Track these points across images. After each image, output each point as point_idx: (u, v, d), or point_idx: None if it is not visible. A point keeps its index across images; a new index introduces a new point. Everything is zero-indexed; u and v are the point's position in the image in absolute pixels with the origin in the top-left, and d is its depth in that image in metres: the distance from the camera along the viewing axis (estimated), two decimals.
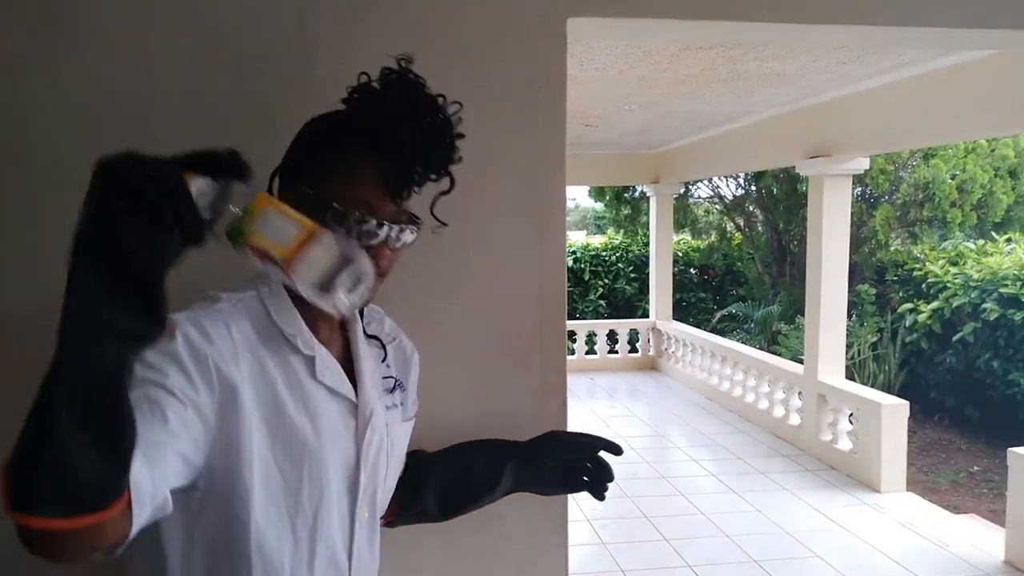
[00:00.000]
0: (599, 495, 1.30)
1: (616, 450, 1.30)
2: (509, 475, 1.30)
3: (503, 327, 1.78)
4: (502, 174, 1.60)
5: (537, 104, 1.58)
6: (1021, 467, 4.15)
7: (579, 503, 4.95)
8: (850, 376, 6.38)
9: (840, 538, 4.56)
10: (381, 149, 0.95)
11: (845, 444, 5.67)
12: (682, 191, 10.64)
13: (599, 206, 14.41)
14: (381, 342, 1.16)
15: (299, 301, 0.99)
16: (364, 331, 1.13)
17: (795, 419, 6.29)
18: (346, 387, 1.05)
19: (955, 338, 7.36)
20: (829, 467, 5.68)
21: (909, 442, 5.48)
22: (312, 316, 1.01)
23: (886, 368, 7.74)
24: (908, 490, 5.29)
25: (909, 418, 5.41)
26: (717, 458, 5.95)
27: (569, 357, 9.16)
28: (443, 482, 1.29)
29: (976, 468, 6.29)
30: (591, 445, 1.31)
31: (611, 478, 1.29)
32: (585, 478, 1.32)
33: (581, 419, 7.00)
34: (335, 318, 1.04)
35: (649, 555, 4.30)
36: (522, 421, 1.80)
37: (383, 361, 1.16)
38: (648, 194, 9.58)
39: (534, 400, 1.83)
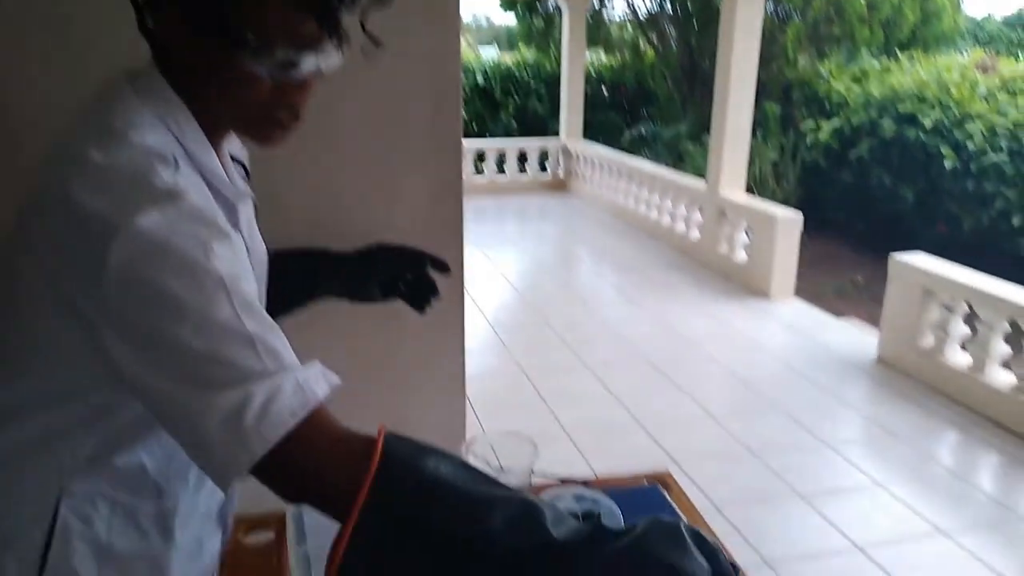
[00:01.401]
0: (420, 309, 1.26)
1: (444, 268, 1.25)
2: (326, 289, 1.24)
3: (397, 126, 1.70)
4: None
5: None
6: (899, 271, 4.42)
7: (483, 312, 5.08)
8: (750, 192, 6.56)
9: (730, 341, 4.84)
10: None
11: (740, 256, 5.92)
12: (597, 5, 10.29)
13: (512, 20, 13.86)
14: (245, 169, 1.04)
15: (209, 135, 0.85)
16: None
17: (695, 233, 6.50)
18: (257, 238, 0.96)
19: (852, 155, 7.60)
20: (725, 278, 5.95)
21: (800, 254, 5.75)
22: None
23: (785, 184, 7.98)
24: (796, 296, 5.62)
25: (802, 231, 5.65)
26: (620, 271, 6.14)
27: (478, 178, 9.15)
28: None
29: (860, 277, 6.70)
30: (419, 262, 1.25)
31: (436, 295, 1.25)
32: (403, 287, 1.27)
33: (489, 239, 7.06)
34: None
35: (550, 358, 4.49)
36: (418, 220, 1.77)
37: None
38: (561, 6, 9.22)
39: (431, 200, 1.79)
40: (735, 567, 0.77)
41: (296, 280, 1.20)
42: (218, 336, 0.70)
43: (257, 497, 0.87)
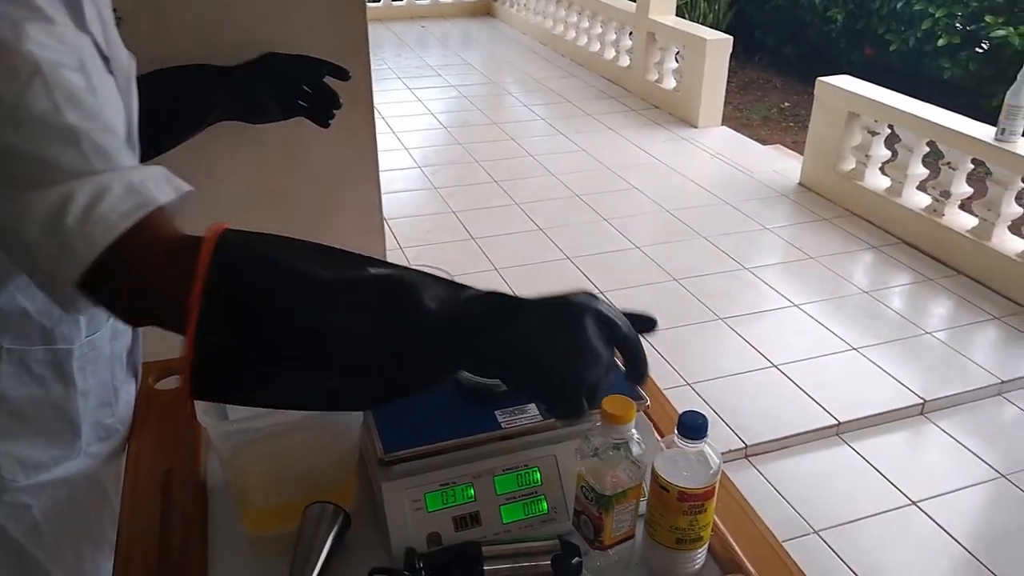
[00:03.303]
0: (323, 122, 1.18)
1: (342, 74, 1.15)
2: (218, 103, 1.14)
3: None
4: None
5: None
6: (825, 95, 4.41)
7: (409, 151, 4.94)
8: (680, 15, 6.36)
9: (657, 171, 4.83)
10: None
11: (669, 82, 5.81)
12: None
13: None
14: None
15: None
16: None
17: (624, 60, 6.33)
18: (117, 43, 0.83)
19: None
20: (653, 106, 5.86)
21: (729, 81, 5.67)
22: None
23: (716, 7, 7.76)
24: (723, 125, 5.59)
25: (732, 58, 5.54)
26: (548, 102, 5.99)
27: (396, 2, 8.60)
28: (148, 112, 1.10)
29: (787, 104, 6.68)
30: (314, 69, 1.15)
31: (338, 105, 1.16)
32: (303, 103, 1.18)
33: (412, 71, 6.76)
34: None
35: (479, 196, 4.42)
36: (319, 38, 1.63)
37: None
38: None
39: (331, 17, 1.64)
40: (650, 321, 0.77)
41: (183, 95, 1.11)
42: (34, 130, 0.62)
43: (168, 343, 0.82)
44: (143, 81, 1.04)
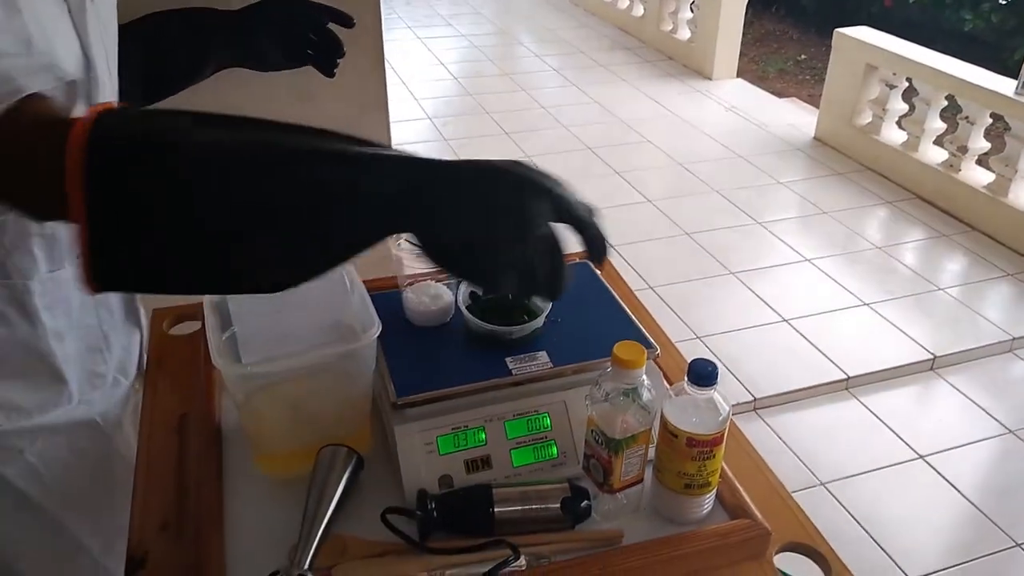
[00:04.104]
0: (328, 71, 1.15)
1: (347, 22, 1.11)
2: (217, 51, 1.10)
3: None
4: None
5: None
6: (842, 47, 4.33)
7: (420, 102, 4.89)
8: None
9: (670, 123, 4.78)
10: None
11: (684, 33, 5.71)
12: None
13: None
14: None
15: None
16: None
17: (638, 9, 6.22)
18: None
19: None
20: (667, 57, 5.77)
21: (745, 33, 5.58)
22: None
23: None
24: (738, 77, 5.51)
25: (748, 8, 5.44)
26: (560, 53, 5.91)
27: None
28: (144, 61, 1.03)
29: (804, 56, 6.57)
30: (315, 16, 1.11)
31: (341, 54, 1.12)
32: (310, 51, 1.15)
33: (423, 21, 6.67)
34: None
35: (490, 148, 4.39)
36: None
37: None
38: None
39: None
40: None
41: (182, 39, 1.08)
42: None
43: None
44: (138, 24, 1.03)
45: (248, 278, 0.61)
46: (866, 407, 2.65)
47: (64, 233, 0.83)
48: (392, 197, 0.58)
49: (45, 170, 0.55)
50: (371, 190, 0.58)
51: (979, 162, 3.79)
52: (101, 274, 0.56)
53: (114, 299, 0.97)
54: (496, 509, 0.81)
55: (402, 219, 0.59)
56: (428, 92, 5.10)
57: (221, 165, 0.57)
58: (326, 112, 1.71)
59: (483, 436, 0.87)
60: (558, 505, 0.82)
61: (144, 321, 1.08)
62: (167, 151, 0.56)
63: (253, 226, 0.57)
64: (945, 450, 2.48)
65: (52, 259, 0.85)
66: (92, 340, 0.93)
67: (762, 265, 3.38)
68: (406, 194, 0.58)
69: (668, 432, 0.81)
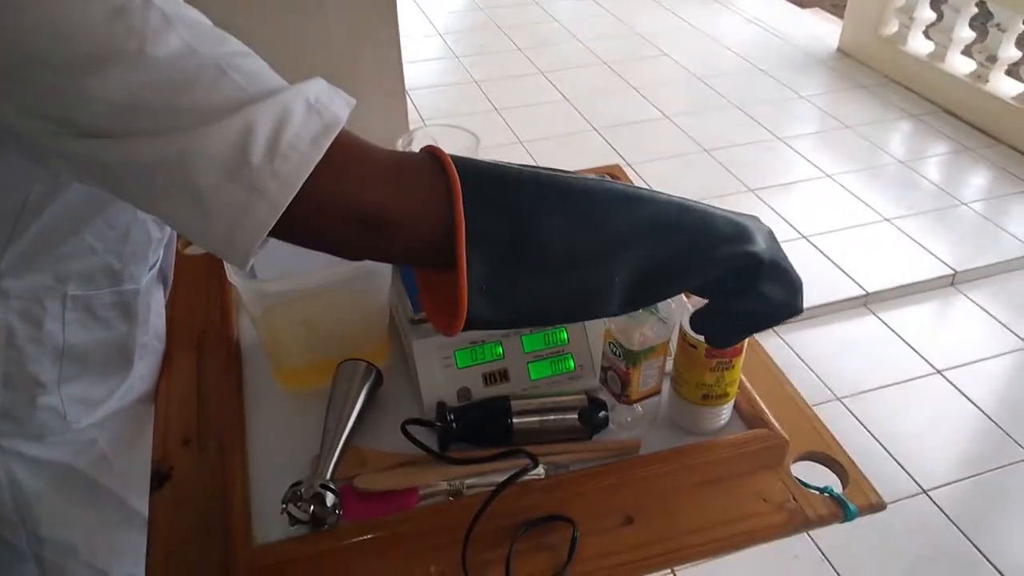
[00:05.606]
0: None
1: None
2: None
3: None
4: None
5: None
6: None
7: (431, 20, 4.77)
8: None
9: (689, 36, 4.64)
10: None
11: None
12: None
13: None
14: None
15: None
16: None
17: None
18: None
19: None
20: None
21: None
22: None
23: None
24: None
25: None
26: None
27: None
28: None
29: None
30: None
31: None
32: None
33: None
34: None
35: (503, 64, 4.30)
36: None
37: None
38: None
39: None
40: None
41: None
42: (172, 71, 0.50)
43: None
44: None
45: (604, 307, 0.63)
46: (884, 323, 2.64)
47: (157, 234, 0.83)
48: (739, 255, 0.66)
49: (436, 215, 0.55)
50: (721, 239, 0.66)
51: (1008, 72, 3.67)
52: (475, 316, 0.57)
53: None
54: (514, 420, 0.81)
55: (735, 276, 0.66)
56: (440, 9, 4.96)
57: (600, 199, 0.62)
58: (334, 19, 1.67)
59: (500, 350, 0.87)
60: (575, 416, 0.82)
61: (170, 279, 1.06)
62: (534, 185, 0.59)
63: (621, 259, 0.62)
64: (963, 364, 2.47)
65: (155, 255, 0.86)
66: (144, 316, 0.91)
67: (782, 181, 3.32)
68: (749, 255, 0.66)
69: (688, 344, 0.81)
